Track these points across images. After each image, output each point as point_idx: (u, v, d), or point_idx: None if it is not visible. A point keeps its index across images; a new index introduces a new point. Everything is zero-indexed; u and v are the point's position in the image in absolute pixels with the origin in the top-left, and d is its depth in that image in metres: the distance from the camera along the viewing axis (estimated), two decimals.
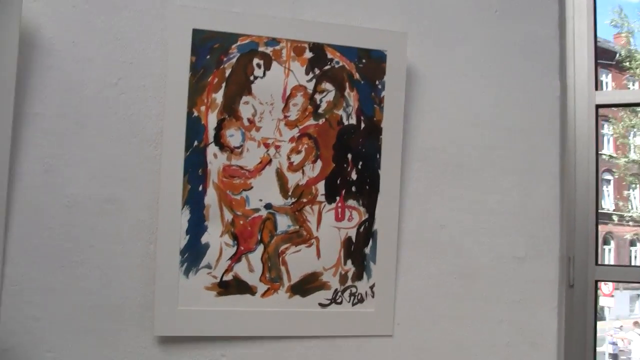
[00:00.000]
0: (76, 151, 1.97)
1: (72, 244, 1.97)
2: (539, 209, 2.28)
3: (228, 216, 2.01)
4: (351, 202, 2.10)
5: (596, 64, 2.46)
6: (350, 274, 2.10)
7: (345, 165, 2.09)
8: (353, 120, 2.10)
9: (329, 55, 2.08)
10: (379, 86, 2.12)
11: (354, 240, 2.10)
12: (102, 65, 1.99)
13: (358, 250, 2.10)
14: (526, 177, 2.28)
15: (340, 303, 2.09)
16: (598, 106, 2.42)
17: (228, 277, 2.02)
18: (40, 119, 1.95)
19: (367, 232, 2.11)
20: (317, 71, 2.07)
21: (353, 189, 2.10)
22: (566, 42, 2.41)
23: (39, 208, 1.95)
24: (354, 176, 2.10)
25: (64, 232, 1.96)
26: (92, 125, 1.98)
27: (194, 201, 1.99)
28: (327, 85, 2.08)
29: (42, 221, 1.96)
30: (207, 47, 2.00)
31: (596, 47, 2.45)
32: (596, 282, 2.39)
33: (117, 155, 1.99)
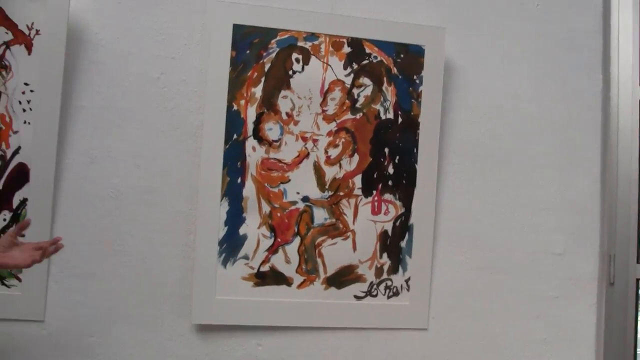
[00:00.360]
0: (120, 143, 2.03)
1: (115, 233, 2.04)
2: (579, 205, 2.27)
3: (266, 208, 2.05)
4: (388, 196, 2.12)
5: None
6: (385, 267, 2.12)
7: (382, 160, 2.11)
8: (390, 115, 2.12)
9: (367, 50, 2.11)
10: (417, 81, 2.13)
11: (390, 233, 2.12)
12: (145, 60, 2.05)
13: (394, 244, 2.12)
14: (566, 172, 2.27)
15: (376, 296, 2.12)
16: None
17: (265, 268, 2.06)
18: (86, 111, 2.02)
19: (403, 226, 2.13)
20: (355, 66, 2.09)
21: (390, 183, 2.12)
22: (610, 36, 2.37)
23: (84, 198, 2.02)
24: (390, 170, 2.12)
25: (107, 222, 2.03)
26: (135, 118, 2.04)
27: (232, 193, 2.03)
28: (365, 80, 2.10)
29: (87, 211, 2.03)
30: (247, 42, 2.04)
31: None
32: (637, 280, 2.36)
33: (158, 147, 2.05)
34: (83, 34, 2.02)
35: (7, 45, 1.96)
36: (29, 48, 1.97)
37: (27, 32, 1.97)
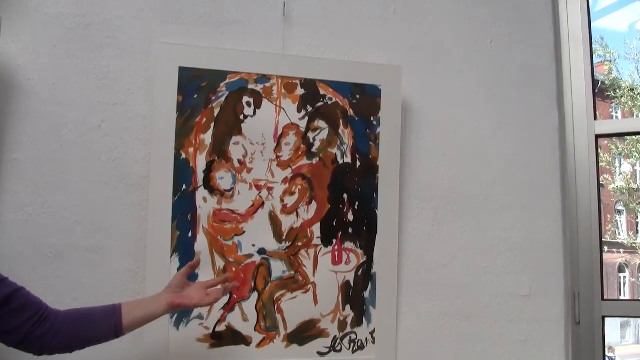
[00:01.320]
0: (58, 198, 1.90)
1: (55, 298, 1.86)
2: (542, 245, 2.25)
3: (220, 263, 1.94)
4: (348, 245, 2.04)
5: (594, 94, 2.44)
6: (349, 320, 2.04)
7: (341, 206, 2.03)
8: (348, 159, 2.05)
9: (322, 92, 2.04)
10: (374, 122, 2.07)
11: (352, 284, 2.04)
12: (85, 106, 1.93)
13: (357, 295, 2.04)
14: (528, 212, 2.25)
15: (340, 351, 2.02)
16: (598, 136, 2.39)
17: (221, 327, 1.95)
18: (20, 164, 1.88)
19: (365, 275, 2.05)
20: (309, 108, 2.03)
21: (350, 230, 2.04)
22: (563, 72, 2.39)
23: (19, 259, 1.87)
24: (350, 217, 2.04)
25: (46, 285, 1.88)
26: (74, 170, 1.91)
27: (183, 248, 1.92)
28: (320, 123, 2.03)
29: (23, 273, 1.85)
30: (195, 86, 1.94)
31: (593, 77, 2.43)
32: (603, 318, 2.33)
33: (101, 201, 1.92)
34: (14, 79, 1.89)
35: None
36: None
37: None
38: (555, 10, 2.33)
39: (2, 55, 1.85)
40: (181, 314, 1.89)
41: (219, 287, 1.69)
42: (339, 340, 2.01)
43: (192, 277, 1.85)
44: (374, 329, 2.03)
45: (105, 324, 1.54)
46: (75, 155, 1.91)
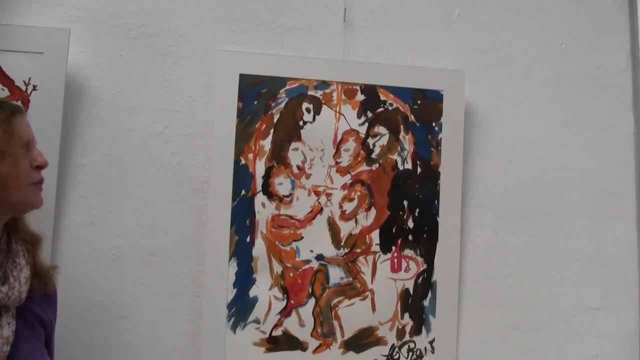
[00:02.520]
0: (121, 202, 1.97)
1: (117, 298, 1.96)
2: (614, 256, 2.17)
3: (277, 268, 1.97)
4: (408, 252, 2.03)
5: None
6: (408, 329, 2.03)
7: (401, 213, 2.03)
8: (409, 165, 2.04)
9: (382, 97, 2.04)
10: (436, 128, 2.06)
11: (411, 292, 2.03)
12: (148, 113, 2.00)
13: (416, 303, 2.03)
14: (599, 222, 2.18)
15: (398, 359, 2.01)
16: None
17: (277, 332, 1.97)
18: (86, 169, 1.97)
19: (425, 283, 2.03)
20: (369, 114, 2.03)
21: (410, 237, 2.03)
22: (638, 75, 2.30)
23: (83, 261, 1.96)
24: (410, 224, 2.03)
25: (108, 286, 1.96)
26: (137, 175, 1.98)
27: (241, 253, 1.96)
28: (380, 129, 2.03)
29: (87, 274, 1.96)
30: (255, 92, 1.98)
31: None
32: None
33: (162, 205, 1.98)
34: (82, 88, 1.98)
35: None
36: (26, 104, 1.93)
37: (24, 87, 1.93)
38: (632, 10, 2.24)
39: (71, 65, 1.94)
40: (238, 317, 1.94)
41: None
42: (397, 349, 2.00)
43: (250, 280, 1.89)
44: (434, 339, 2.02)
45: None
46: (138, 161, 1.98)
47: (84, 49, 1.99)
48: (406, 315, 2.01)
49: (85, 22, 2.01)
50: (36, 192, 1.46)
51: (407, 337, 2.01)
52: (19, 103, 1.90)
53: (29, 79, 1.93)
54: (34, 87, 1.93)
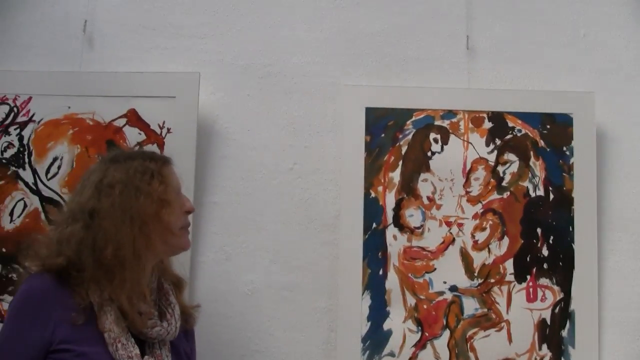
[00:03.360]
0: (254, 238, 2.03)
1: (252, 333, 2.01)
2: None
3: (411, 300, 1.98)
4: (543, 281, 2.00)
5: None
6: None
7: (534, 241, 2.00)
8: (540, 192, 2.01)
9: (510, 124, 2.03)
10: (567, 152, 2.03)
11: (548, 322, 1.99)
12: (277, 150, 2.06)
13: (554, 334, 1.99)
14: None
15: None
16: None
17: None
18: (219, 207, 2.04)
19: (563, 313, 1.99)
20: (498, 142, 2.02)
21: (545, 266, 2.00)
22: None
23: (220, 296, 2.02)
24: (545, 252, 2.00)
25: (243, 321, 2.01)
26: (269, 211, 2.04)
27: (374, 285, 1.98)
28: (509, 156, 2.02)
29: (223, 310, 2.02)
30: (382, 125, 2.01)
31: None
32: None
33: (294, 240, 2.03)
34: (213, 128, 2.06)
35: (141, 145, 2.03)
36: (160, 147, 2.02)
37: (158, 131, 2.03)
38: None
39: (202, 107, 2.02)
40: (373, 350, 1.96)
41: None
42: None
43: (384, 313, 1.90)
44: None
45: None
46: (269, 197, 2.03)
47: (214, 90, 2.07)
48: (544, 346, 1.97)
49: (214, 65, 2.09)
50: (186, 235, 1.58)
51: None
52: (150, 145, 2.00)
53: (163, 122, 2.03)
54: (168, 130, 2.02)
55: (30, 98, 2.08)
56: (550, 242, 1.99)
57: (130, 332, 1.43)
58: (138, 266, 1.40)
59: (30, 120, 2.07)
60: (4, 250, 2.01)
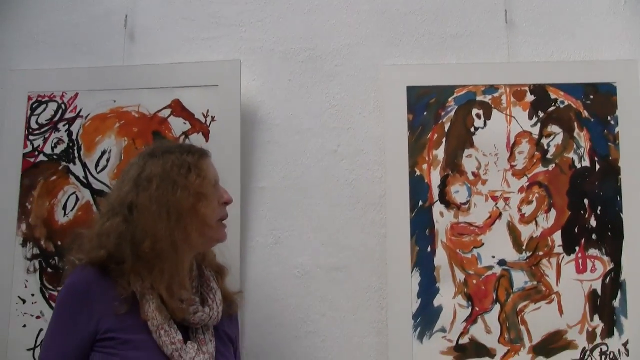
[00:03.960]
0: (302, 221, 2.07)
1: (304, 314, 2.05)
2: None
3: (460, 276, 2.00)
4: (593, 252, 2.00)
5: None
6: (598, 331, 1.99)
7: (582, 212, 2.01)
8: (586, 163, 2.02)
9: (553, 96, 2.04)
10: (612, 122, 2.03)
11: (599, 293, 2.00)
12: (321, 133, 2.09)
13: (605, 304, 1.99)
14: None
15: None
16: None
17: (464, 340, 2.00)
18: (266, 192, 2.08)
19: (614, 283, 2.00)
20: (541, 114, 2.03)
21: (594, 237, 2.00)
22: None
23: (270, 279, 2.06)
24: (593, 223, 2.01)
25: (295, 303, 2.05)
26: (315, 194, 2.07)
27: (423, 263, 2.01)
28: (553, 128, 2.03)
29: (274, 292, 2.06)
30: (424, 104, 2.03)
31: None
32: None
33: (342, 222, 2.06)
34: (256, 115, 2.09)
35: (186, 135, 2.07)
36: (206, 135, 2.07)
37: (203, 120, 2.07)
38: None
39: (245, 94, 2.06)
40: (424, 327, 1.99)
41: None
42: (588, 353, 1.98)
43: (434, 289, 1.93)
44: (627, 341, 1.97)
45: None
46: (315, 180, 2.07)
47: (256, 77, 2.11)
48: (596, 317, 1.98)
49: (255, 53, 2.13)
50: (223, 228, 1.63)
51: (598, 340, 1.98)
52: (196, 134, 2.04)
53: (207, 111, 2.07)
54: (213, 119, 2.07)
55: (77, 94, 2.14)
56: (598, 212, 2.00)
57: (173, 319, 1.48)
58: (176, 258, 1.43)
59: (78, 116, 2.13)
60: (59, 243, 2.07)
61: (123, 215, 1.43)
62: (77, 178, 2.10)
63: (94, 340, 1.39)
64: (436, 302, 1.99)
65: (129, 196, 1.44)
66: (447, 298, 1.99)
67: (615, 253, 1.99)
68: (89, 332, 1.39)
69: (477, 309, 1.98)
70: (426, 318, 1.99)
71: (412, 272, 1.98)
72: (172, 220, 1.42)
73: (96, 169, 2.09)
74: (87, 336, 1.39)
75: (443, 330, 1.98)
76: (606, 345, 1.98)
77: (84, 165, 2.10)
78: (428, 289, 1.99)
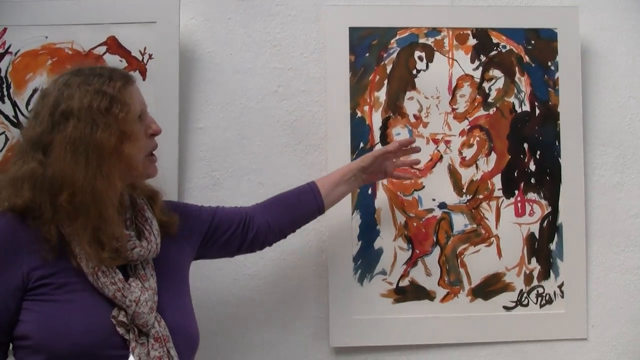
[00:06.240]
0: (242, 162, 2.07)
1: (244, 257, 2.04)
2: None
3: (400, 219, 2.04)
4: (531, 195, 2.07)
5: None
6: (535, 273, 2.07)
7: (521, 156, 2.07)
8: (526, 107, 2.08)
9: (495, 40, 2.08)
10: (552, 67, 2.09)
11: (537, 236, 2.07)
12: (261, 73, 2.09)
13: (542, 247, 2.07)
14: None
15: (527, 305, 2.07)
16: None
17: (404, 282, 2.04)
18: (204, 132, 2.08)
19: (551, 226, 2.07)
20: (483, 58, 2.07)
21: (532, 180, 2.07)
22: None
23: None
24: (532, 167, 2.07)
25: None
26: (255, 135, 2.08)
27: (363, 205, 2.04)
28: (495, 72, 2.08)
29: None
30: (365, 45, 2.05)
31: None
32: None
33: (282, 163, 2.08)
34: (195, 53, 2.08)
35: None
36: (143, 73, 2.04)
37: (140, 57, 2.05)
38: None
39: (183, 32, 2.04)
40: (364, 269, 2.02)
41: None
42: (525, 295, 2.05)
43: (374, 232, 1.97)
44: (562, 283, 2.05)
45: (308, 204, 1.75)
46: (255, 121, 2.07)
47: (195, 15, 2.09)
48: (533, 260, 2.06)
49: None
50: (152, 163, 1.52)
51: (535, 282, 2.06)
52: (132, 72, 2.01)
53: (144, 48, 2.05)
54: (150, 56, 2.05)
55: (5, 29, 2.08)
56: (537, 157, 2.06)
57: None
58: (100, 208, 1.30)
59: (6, 52, 2.08)
60: None
61: (37, 159, 1.30)
62: (7, 117, 2.05)
63: (24, 291, 1.29)
64: (376, 245, 2.03)
65: (43, 137, 1.30)
66: (388, 240, 2.03)
67: (552, 197, 2.06)
68: (16, 284, 1.29)
69: (417, 252, 2.03)
70: (366, 260, 2.03)
71: (352, 214, 2.01)
72: (92, 166, 1.29)
73: (27, 107, 2.05)
74: (15, 288, 1.29)
75: (383, 272, 2.03)
76: (542, 287, 2.06)
77: (14, 104, 2.06)
78: (368, 231, 2.03)
